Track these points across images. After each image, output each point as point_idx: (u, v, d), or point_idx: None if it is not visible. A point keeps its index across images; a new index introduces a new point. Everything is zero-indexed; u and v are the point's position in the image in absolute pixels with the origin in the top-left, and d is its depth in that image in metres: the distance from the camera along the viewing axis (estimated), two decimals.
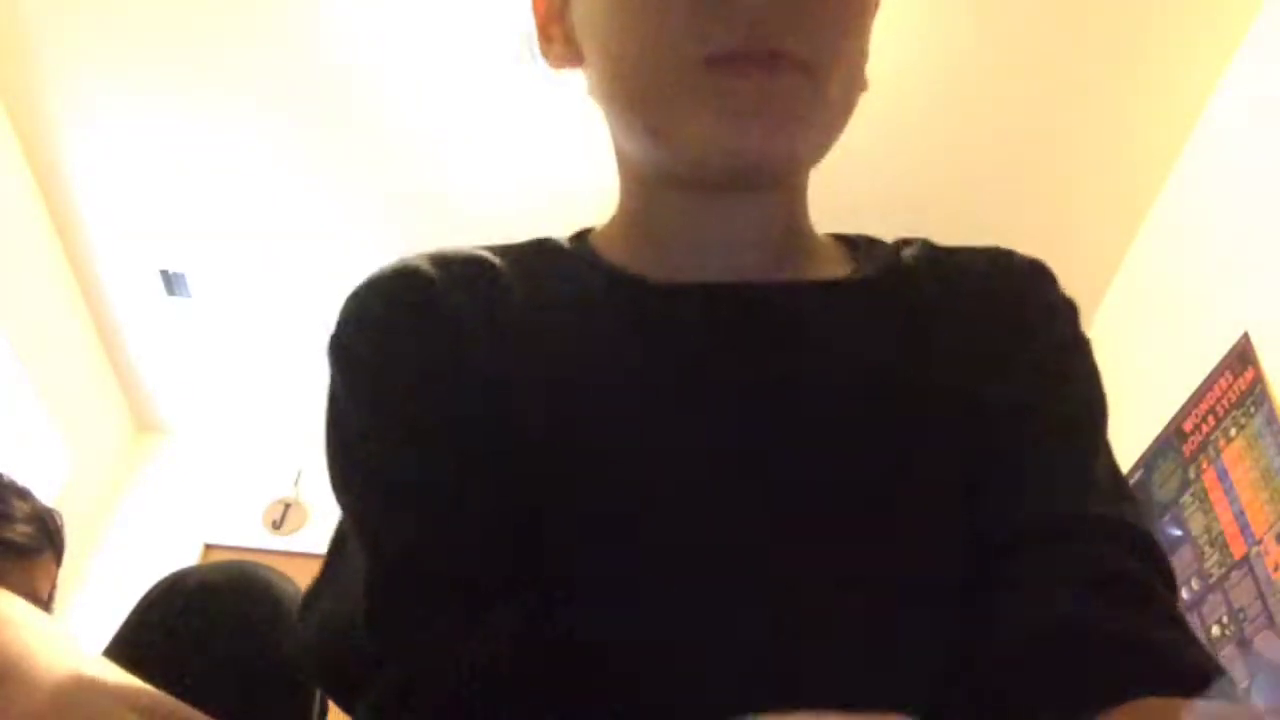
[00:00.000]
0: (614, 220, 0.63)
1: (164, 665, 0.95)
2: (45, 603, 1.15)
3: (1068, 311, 0.63)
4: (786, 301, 0.57)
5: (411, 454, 0.52)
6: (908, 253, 0.62)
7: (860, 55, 0.55)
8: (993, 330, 0.58)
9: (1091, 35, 2.45)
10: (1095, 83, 2.53)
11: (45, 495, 1.24)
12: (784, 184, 0.58)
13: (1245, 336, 2.35)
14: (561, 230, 0.65)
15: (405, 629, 0.47)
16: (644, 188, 0.60)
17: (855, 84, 0.55)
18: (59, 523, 1.19)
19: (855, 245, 0.64)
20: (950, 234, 0.65)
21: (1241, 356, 2.36)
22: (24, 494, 1.17)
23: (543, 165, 2.83)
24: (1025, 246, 0.66)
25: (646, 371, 0.54)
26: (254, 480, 4.09)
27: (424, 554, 0.49)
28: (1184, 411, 2.56)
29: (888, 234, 0.65)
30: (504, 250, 0.61)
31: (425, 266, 0.57)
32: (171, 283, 3.49)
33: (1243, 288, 2.40)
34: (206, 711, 0.94)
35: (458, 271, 0.57)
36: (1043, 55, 2.51)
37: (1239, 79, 2.48)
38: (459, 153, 2.89)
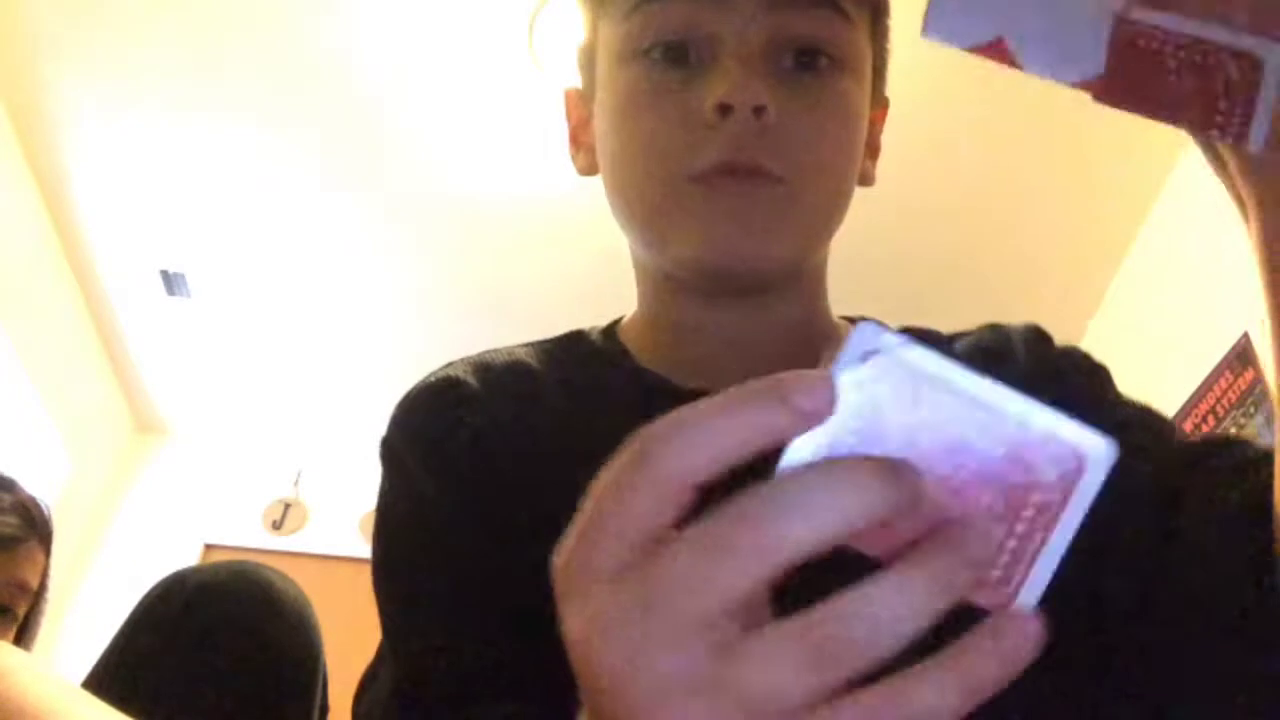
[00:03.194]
0: (638, 318, 0.68)
1: (164, 665, 0.95)
2: (35, 593, 1.16)
3: (1078, 357, 0.66)
4: None
5: (438, 563, 0.56)
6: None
7: (847, 162, 0.61)
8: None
9: None
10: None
11: (45, 495, 1.24)
12: (789, 284, 0.62)
13: (1245, 336, 2.35)
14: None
15: None
16: (659, 293, 0.65)
17: (839, 188, 0.61)
18: (45, 511, 1.19)
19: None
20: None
21: (1241, 356, 2.36)
22: (6, 485, 1.18)
23: (545, 167, 2.83)
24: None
25: None
26: (254, 480, 4.09)
27: (439, 663, 0.52)
28: (1184, 411, 2.56)
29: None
30: (541, 352, 0.67)
31: (467, 377, 0.63)
32: (171, 283, 3.49)
33: (1243, 288, 2.40)
34: (207, 712, 0.94)
35: (495, 380, 0.63)
36: None
37: None
38: (460, 153, 2.89)
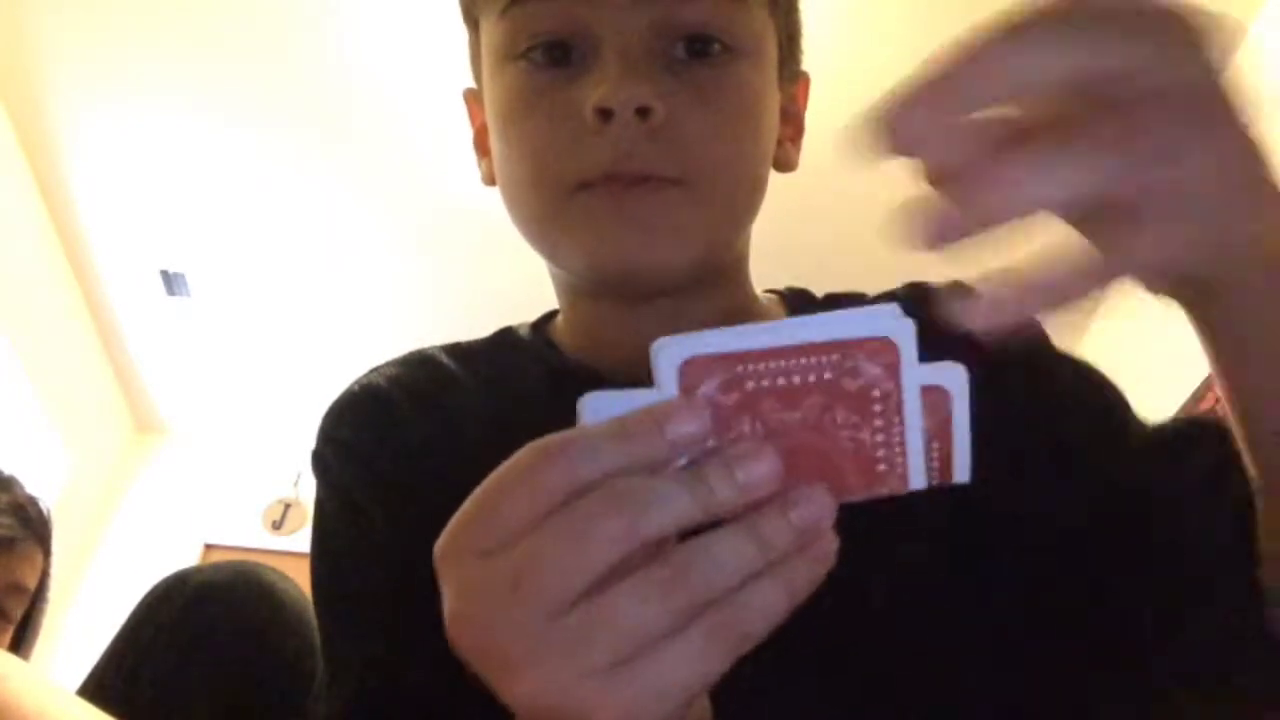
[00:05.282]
0: (563, 315, 0.66)
1: (164, 665, 0.95)
2: (33, 594, 1.15)
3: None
4: None
5: (375, 573, 0.55)
6: None
7: (753, 152, 0.57)
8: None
9: None
10: None
11: (45, 495, 1.23)
12: (707, 280, 0.58)
13: None
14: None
15: None
16: (572, 297, 0.63)
17: (747, 181, 0.57)
18: (42, 511, 1.18)
19: (791, 303, 0.65)
20: None
21: None
22: (4, 484, 1.17)
23: None
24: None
25: None
26: (254, 480, 4.09)
27: (381, 678, 0.52)
28: (1184, 411, 2.56)
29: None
30: (465, 353, 0.65)
31: (384, 385, 0.62)
32: (171, 283, 3.49)
33: None
34: (207, 712, 0.94)
35: (418, 387, 0.62)
36: None
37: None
38: (461, 154, 2.89)
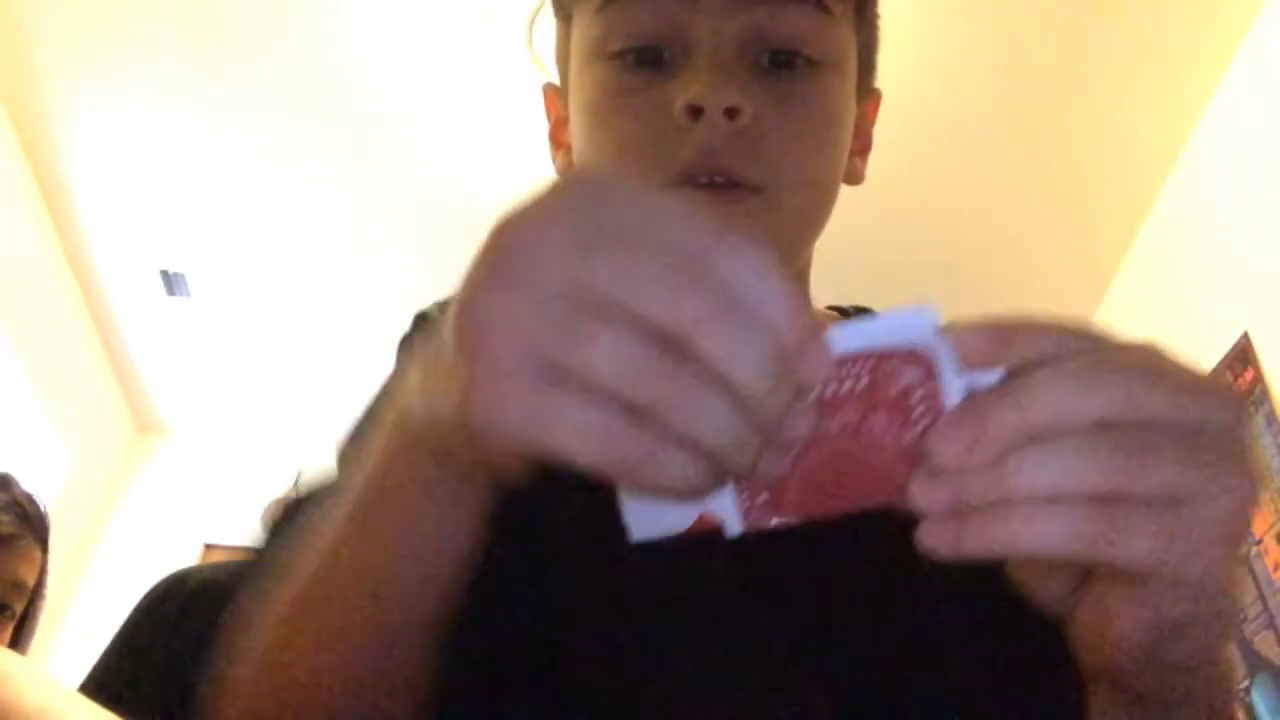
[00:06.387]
0: None
1: (164, 665, 0.95)
2: (33, 591, 1.15)
3: None
4: None
5: None
6: None
7: (830, 164, 0.58)
8: None
9: (1090, 37, 2.45)
10: (1095, 85, 2.53)
11: (45, 495, 1.24)
12: None
13: (1245, 336, 2.34)
14: None
15: None
16: None
17: (822, 193, 0.58)
18: (41, 508, 1.18)
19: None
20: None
21: (1241, 356, 2.36)
22: (2, 482, 1.17)
23: (547, 168, 2.82)
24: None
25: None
26: (254, 480, 4.09)
27: None
28: None
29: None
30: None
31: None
32: (171, 283, 3.49)
33: (1243, 288, 2.40)
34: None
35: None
36: (1041, 58, 2.50)
37: (1239, 80, 2.48)
38: (461, 154, 2.89)
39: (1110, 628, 0.32)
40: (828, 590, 0.52)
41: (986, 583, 0.52)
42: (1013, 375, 0.31)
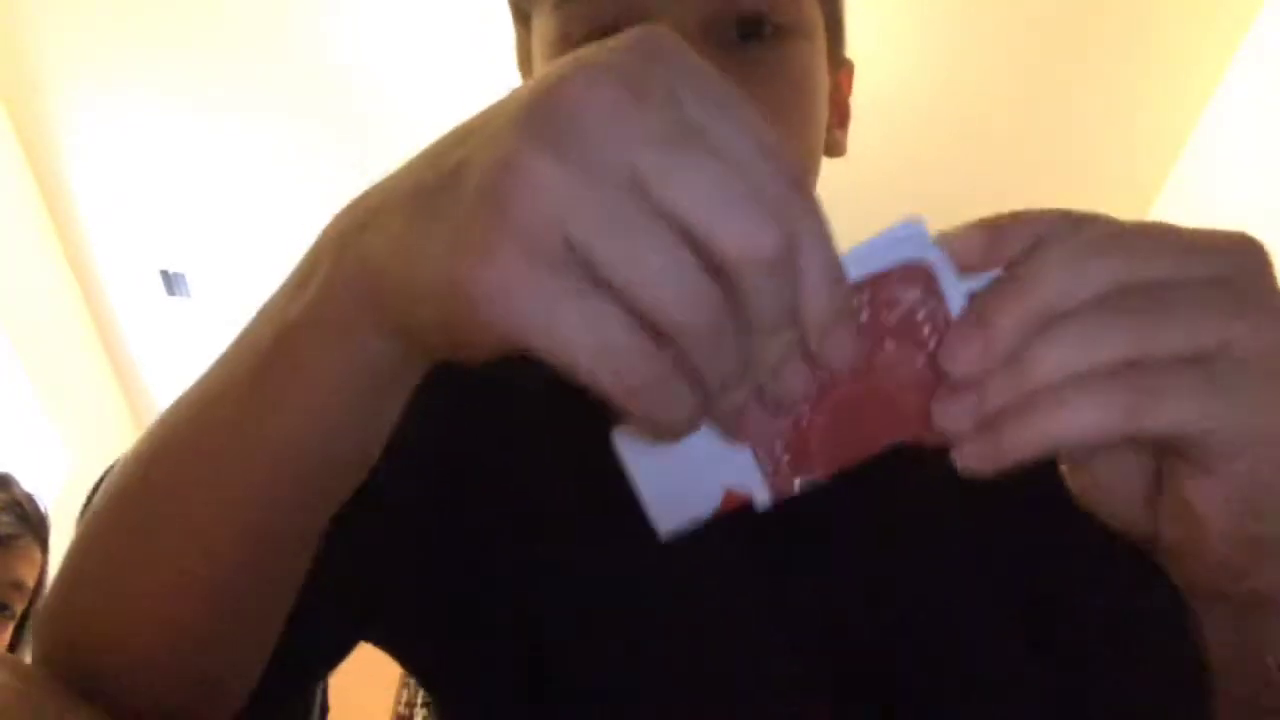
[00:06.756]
0: None
1: None
2: (33, 591, 1.15)
3: None
4: None
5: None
6: None
7: (808, 133, 0.57)
8: None
9: (1091, 37, 2.45)
10: (1095, 84, 2.53)
11: (45, 495, 1.23)
12: None
13: None
14: None
15: None
16: None
17: (801, 156, 0.57)
18: (41, 508, 1.18)
19: None
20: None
21: None
22: (2, 482, 1.17)
23: None
24: None
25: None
26: None
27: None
28: None
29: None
30: None
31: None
32: (171, 283, 3.49)
33: None
34: None
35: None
36: (1043, 55, 2.50)
37: (1239, 81, 2.48)
38: None
39: (1195, 523, 0.29)
40: (828, 590, 0.52)
41: (992, 584, 0.52)
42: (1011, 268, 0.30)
